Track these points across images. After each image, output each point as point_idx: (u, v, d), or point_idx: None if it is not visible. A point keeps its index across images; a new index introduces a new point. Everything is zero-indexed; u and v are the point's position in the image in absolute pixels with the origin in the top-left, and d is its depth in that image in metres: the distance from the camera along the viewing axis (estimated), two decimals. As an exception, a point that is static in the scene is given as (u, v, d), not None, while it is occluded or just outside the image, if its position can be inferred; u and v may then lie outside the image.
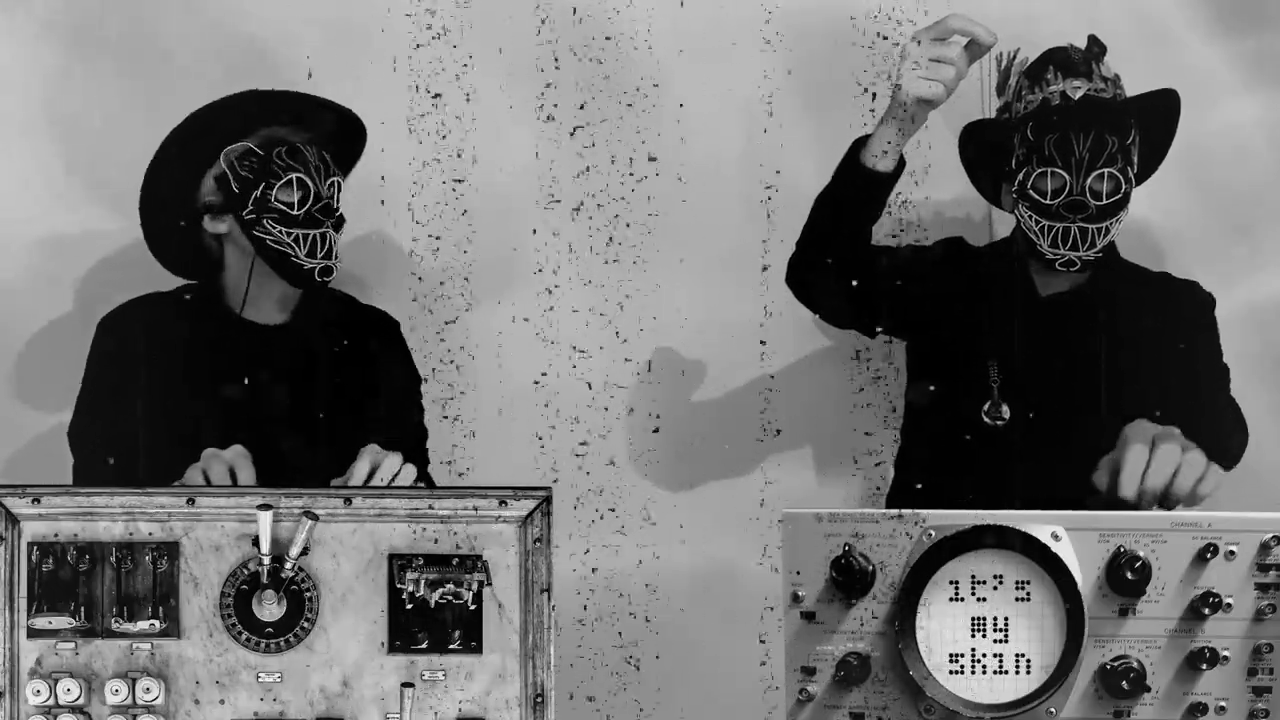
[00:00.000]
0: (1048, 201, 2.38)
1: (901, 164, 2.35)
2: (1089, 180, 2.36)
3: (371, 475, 2.03)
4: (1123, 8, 2.85)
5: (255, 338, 2.49)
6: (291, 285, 2.47)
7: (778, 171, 2.88)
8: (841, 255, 2.46)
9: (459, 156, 2.89)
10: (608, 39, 2.88)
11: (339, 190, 2.48)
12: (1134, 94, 2.49)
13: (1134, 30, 2.82)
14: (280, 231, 2.41)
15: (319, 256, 2.42)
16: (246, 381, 2.43)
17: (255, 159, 2.42)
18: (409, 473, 2.07)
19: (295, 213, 2.41)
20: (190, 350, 2.47)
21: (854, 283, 2.49)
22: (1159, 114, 2.49)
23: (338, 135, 2.56)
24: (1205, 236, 2.87)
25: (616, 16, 2.88)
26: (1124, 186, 2.38)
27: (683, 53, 2.88)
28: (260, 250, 2.42)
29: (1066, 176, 2.37)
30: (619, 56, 2.88)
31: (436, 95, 2.88)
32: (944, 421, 2.56)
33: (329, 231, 2.43)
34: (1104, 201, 2.37)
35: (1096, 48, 2.46)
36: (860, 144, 2.36)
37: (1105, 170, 2.36)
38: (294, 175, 2.41)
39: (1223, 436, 2.38)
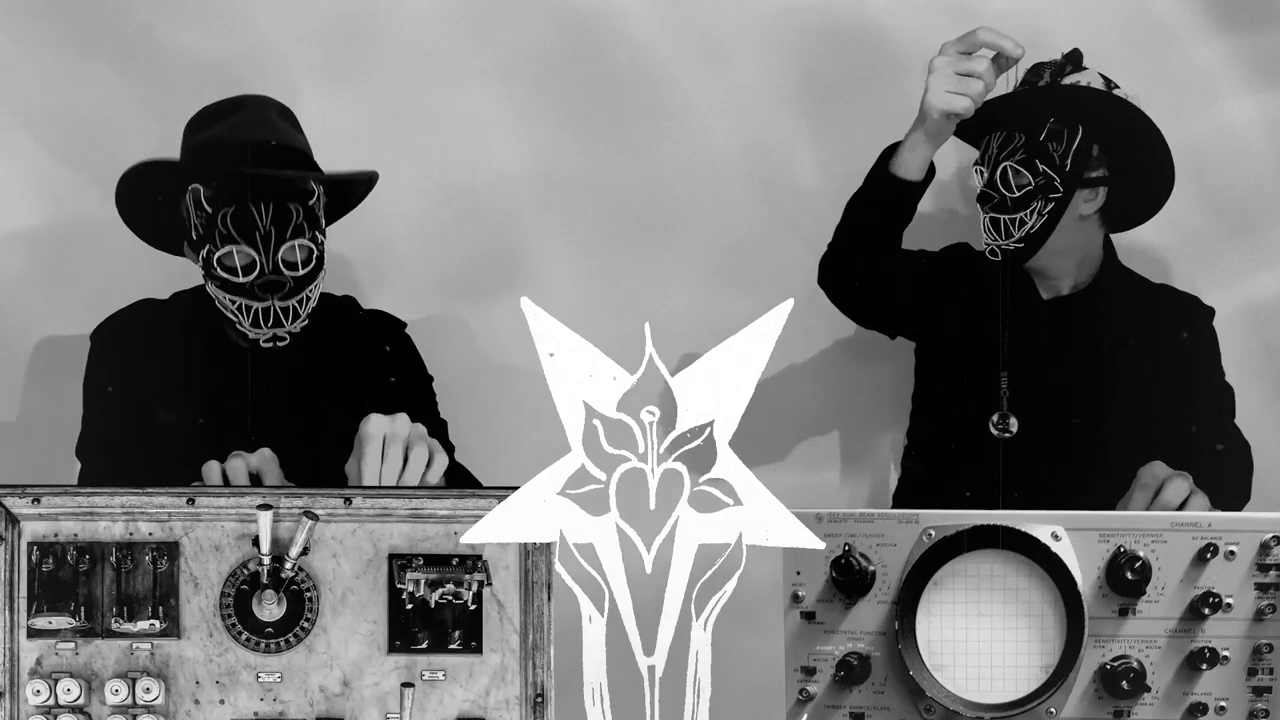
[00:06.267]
0: (977, 195, 2.49)
1: (931, 172, 2.39)
2: (997, 174, 2.44)
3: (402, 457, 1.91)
4: (1124, 7, 2.85)
5: (253, 348, 2.38)
6: (242, 343, 2.33)
7: (783, 169, 2.88)
8: (872, 259, 2.49)
9: (458, 153, 2.89)
10: (609, 35, 2.88)
11: (309, 250, 2.28)
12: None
13: (1135, 30, 2.82)
14: (225, 297, 2.27)
15: (266, 326, 2.26)
16: (250, 390, 2.31)
17: (203, 215, 2.25)
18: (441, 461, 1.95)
19: (239, 280, 2.25)
20: (187, 360, 2.39)
21: (879, 288, 2.54)
22: (1109, 112, 2.46)
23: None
24: (1205, 236, 2.87)
25: (619, 10, 2.87)
26: (1035, 180, 2.42)
27: (688, 48, 2.88)
28: (218, 303, 2.30)
29: (984, 171, 2.47)
30: (621, 50, 2.88)
31: (437, 90, 2.88)
32: (947, 423, 2.58)
33: (272, 305, 2.25)
34: (1016, 194, 2.42)
35: (1070, 64, 2.49)
36: (890, 152, 2.38)
37: (1008, 164, 2.43)
38: (233, 248, 2.23)
39: (1220, 475, 2.36)
